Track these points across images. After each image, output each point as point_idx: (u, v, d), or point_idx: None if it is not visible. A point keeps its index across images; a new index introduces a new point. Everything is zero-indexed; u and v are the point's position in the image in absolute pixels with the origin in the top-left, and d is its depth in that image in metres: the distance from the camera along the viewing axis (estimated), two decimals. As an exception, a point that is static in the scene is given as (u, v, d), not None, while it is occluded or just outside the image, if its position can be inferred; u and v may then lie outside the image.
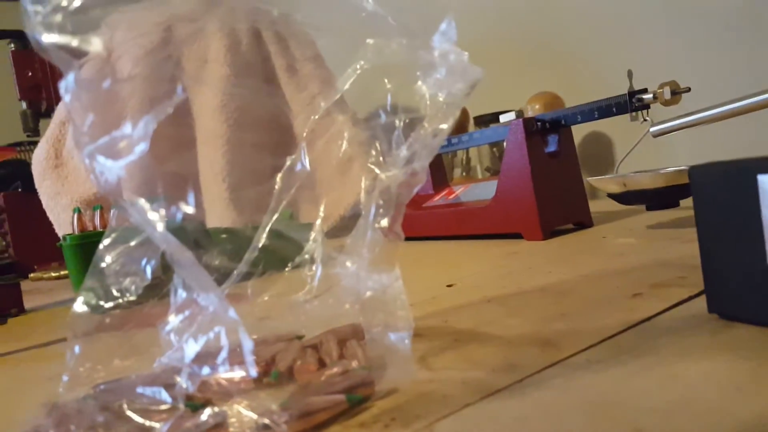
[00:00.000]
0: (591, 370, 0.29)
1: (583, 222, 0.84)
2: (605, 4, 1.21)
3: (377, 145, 0.36)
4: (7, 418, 0.36)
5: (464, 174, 1.44)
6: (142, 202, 0.25)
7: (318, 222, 0.36)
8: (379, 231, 0.32)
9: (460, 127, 1.39)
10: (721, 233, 0.33)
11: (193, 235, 0.36)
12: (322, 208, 0.37)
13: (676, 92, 0.65)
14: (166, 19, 1.19)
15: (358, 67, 0.36)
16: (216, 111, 1.17)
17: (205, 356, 0.28)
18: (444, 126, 0.31)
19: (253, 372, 0.26)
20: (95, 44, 0.24)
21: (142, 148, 0.24)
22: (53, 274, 1.29)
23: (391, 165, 0.32)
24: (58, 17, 0.26)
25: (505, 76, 1.42)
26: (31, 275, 1.35)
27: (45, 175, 1.21)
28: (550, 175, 0.80)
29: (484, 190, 0.91)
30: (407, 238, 1.04)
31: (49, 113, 1.72)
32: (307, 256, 0.36)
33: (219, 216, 1.10)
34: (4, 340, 0.65)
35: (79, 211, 0.75)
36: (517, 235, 0.81)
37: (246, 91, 1.22)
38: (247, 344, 0.25)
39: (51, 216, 1.21)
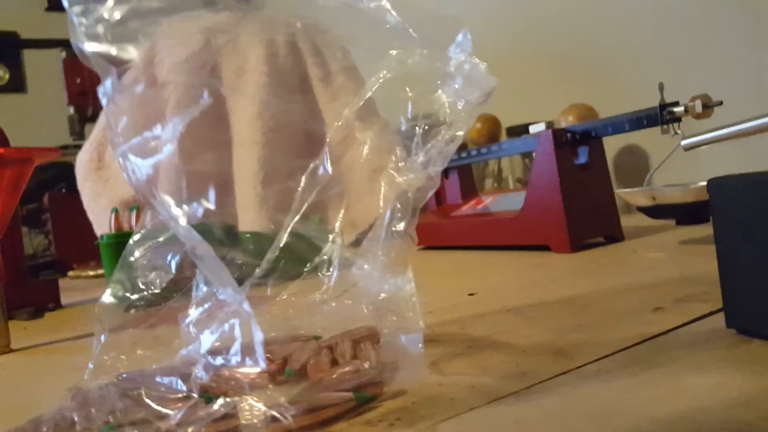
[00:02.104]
0: (600, 380, 0.29)
1: (614, 235, 0.83)
2: (639, 17, 1.20)
3: (397, 151, 0.36)
4: (35, 402, 0.38)
5: (495, 185, 1.44)
6: (167, 197, 0.26)
7: (337, 224, 0.37)
8: (395, 234, 0.33)
9: (492, 137, 1.39)
10: (740, 247, 0.32)
11: (219, 234, 0.38)
12: (341, 214, 0.38)
13: (708, 106, 0.65)
14: (205, 29, 1.22)
15: (381, 76, 0.37)
16: (252, 119, 1.20)
17: (221, 348, 0.29)
18: (459, 133, 0.32)
19: (263, 364, 0.27)
20: (132, 53, 0.26)
21: (170, 148, 0.25)
22: (90, 273, 1.33)
23: (408, 170, 0.33)
24: (100, 28, 0.27)
25: (539, 87, 1.42)
26: (70, 273, 1.40)
27: (87, 176, 1.26)
28: (579, 186, 0.79)
29: (514, 200, 0.90)
30: (434, 247, 1.05)
31: (94, 118, 1.78)
32: (325, 257, 0.37)
33: (251, 221, 1.12)
34: (39, 332, 0.67)
35: (117, 212, 0.78)
36: (545, 247, 0.81)
37: (282, 102, 1.25)
38: (258, 336, 0.26)
39: (91, 216, 1.25)
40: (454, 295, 0.57)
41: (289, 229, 0.36)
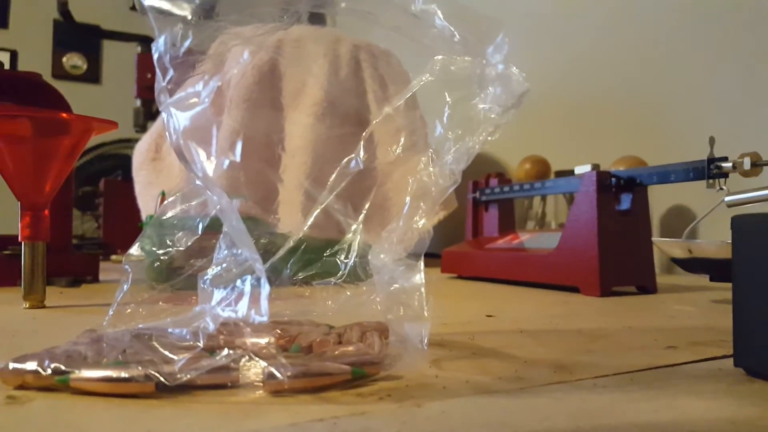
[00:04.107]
0: (594, 392, 0.29)
1: (646, 287, 0.81)
2: (694, 69, 1.19)
3: (431, 153, 0.38)
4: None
5: (537, 227, 1.43)
6: (200, 150, 0.28)
7: (361, 216, 0.38)
8: (413, 227, 0.34)
9: (540, 179, 1.39)
10: (757, 286, 0.32)
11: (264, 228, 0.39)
12: (366, 206, 0.39)
13: (757, 164, 0.64)
14: (277, 39, 1.27)
15: (423, 79, 0.39)
16: (306, 130, 1.23)
17: (231, 301, 0.30)
18: (489, 138, 0.33)
19: (266, 316, 0.29)
20: (186, 9, 0.28)
21: (206, 103, 0.27)
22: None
23: (435, 167, 0.34)
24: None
25: (592, 134, 1.41)
26: (113, 257, 1.45)
27: (143, 165, 1.31)
28: (617, 232, 0.78)
29: (550, 240, 0.90)
30: (465, 277, 1.05)
31: (158, 115, 1.86)
32: (344, 245, 0.38)
33: (294, 223, 1.14)
34: (73, 297, 0.71)
35: (164, 194, 0.81)
36: (576, 289, 0.80)
37: (336, 117, 1.27)
38: (266, 289, 0.28)
39: (141, 203, 1.30)
40: (472, 314, 0.57)
41: (322, 207, 0.38)
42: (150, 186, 1.28)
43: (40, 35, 2.70)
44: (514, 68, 0.33)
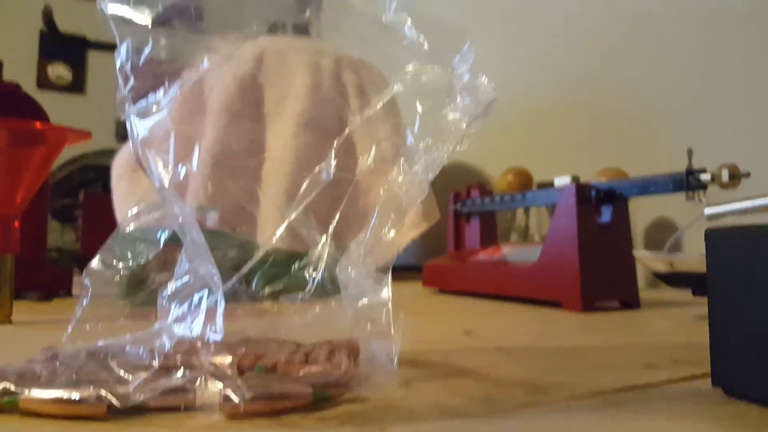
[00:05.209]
0: (567, 414, 0.28)
1: (629, 301, 0.80)
2: (678, 81, 1.19)
3: (402, 163, 0.37)
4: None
5: (520, 240, 1.43)
6: (157, 158, 0.27)
7: (331, 227, 0.37)
8: (381, 240, 0.33)
9: (523, 190, 1.39)
10: (733, 302, 0.31)
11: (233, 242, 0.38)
12: (336, 218, 0.38)
13: (735, 176, 0.64)
14: (259, 51, 1.27)
15: (394, 89, 0.38)
16: (288, 140, 1.22)
17: (187, 318, 0.29)
18: (458, 147, 0.32)
19: (221, 334, 0.27)
20: (147, 18, 0.27)
21: (164, 111, 0.26)
22: (111, 271, 1.35)
23: (405, 177, 0.33)
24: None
25: (574, 146, 1.41)
26: (92, 269, 1.43)
27: (122, 176, 1.29)
28: (598, 246, 0.78)
29: (532, 253, 0.89)
30: (448, 291, 1.04)
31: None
32: (314, 259, 0.37)
33: (271, 234, 1.13)
34: (43, 312, 0.69)
35: (138, 207, 0.79)
36: (559, 304, 0.79)
37: (317, 132, 1.26)
38: (221, 306, 0.26)
39: (119, 215, 1.28)
40: (450, 331, 0.56)
41: (287, 222, 0.37)
42: (129, 197, 1.26)
43: (25, 45, 2.67)
44: (484, 77, 0.32)
